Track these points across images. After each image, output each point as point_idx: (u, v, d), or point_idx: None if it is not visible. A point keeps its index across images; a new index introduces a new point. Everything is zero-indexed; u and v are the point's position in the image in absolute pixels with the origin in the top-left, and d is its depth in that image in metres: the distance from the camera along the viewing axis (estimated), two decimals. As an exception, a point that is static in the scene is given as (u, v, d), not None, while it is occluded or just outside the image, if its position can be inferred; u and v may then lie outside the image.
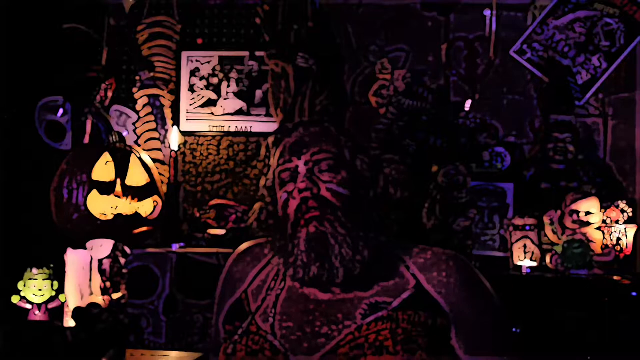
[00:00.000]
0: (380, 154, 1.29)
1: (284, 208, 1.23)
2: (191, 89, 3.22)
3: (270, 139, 1.31)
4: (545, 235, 2.66)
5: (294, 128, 1.28)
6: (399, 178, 1.26)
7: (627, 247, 2.58)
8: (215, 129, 3.19)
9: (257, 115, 3.16)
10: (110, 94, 2.97)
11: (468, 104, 2.85)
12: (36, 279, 2.58)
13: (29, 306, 2.58)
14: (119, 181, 2.68)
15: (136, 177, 2.75)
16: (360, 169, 1.25)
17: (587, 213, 2.57)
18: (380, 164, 1.27)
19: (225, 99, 3.19)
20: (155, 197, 2.79)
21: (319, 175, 1.21)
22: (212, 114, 3.19)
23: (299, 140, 1.25)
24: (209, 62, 3.21)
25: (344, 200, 1.20)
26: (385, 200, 1.25)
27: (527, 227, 2.65)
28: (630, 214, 2.63)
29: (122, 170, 2.70)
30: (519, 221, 2.66)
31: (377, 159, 1.28)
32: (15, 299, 2.58)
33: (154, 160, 2.93)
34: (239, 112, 3.17)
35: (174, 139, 2.96)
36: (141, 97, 3.06)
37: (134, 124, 3.12)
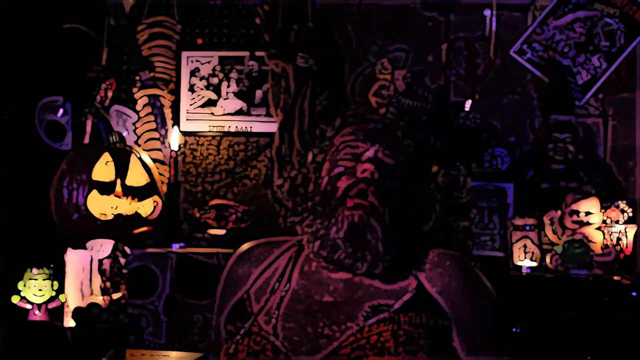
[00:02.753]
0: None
1: (334, 180, 1.25)
2: (191, 89, 3.21)
3: (337, 121, 1.37)
4: (545, 235, 2.66)
5: (370, 119, 1.35)
6: (431, 217, 1.34)
7: (627, 247, 2.59)
8: (215, 129, 3.18)
9: (257, 115, 3.16)
10: (110, 94, 2.97)
11: (468, 104, 2.85)
12: (36, 279, 2.58)
13: (29, 306, 2.59)
14: (119, 181, 2.68)
15: (136, 177, 2.75)
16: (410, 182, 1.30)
17: (587, 213, 2.58)
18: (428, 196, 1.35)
19: (225, 99, 3.19)
20: (155, 197, 2.79)
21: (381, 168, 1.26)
22: (212, 114, 3.19)
23: (376, 129, 1.30)
24: (209, 62, 3.21)
25: (391, 199, 1.24)
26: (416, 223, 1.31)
27: (527, 227, 2.65)
28: (630, 214, 2.63)
29: (122, 170, 2.71)
30: (519, 221, 2.66)
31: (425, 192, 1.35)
32: (15, 299, 2.59)
33: (154, 160, 2.93)
34: (239, 112, 3.17)
35: (174, 139, 2.95)
36: (141, 97, 3.06)
37: (134, 124, 3.12)
